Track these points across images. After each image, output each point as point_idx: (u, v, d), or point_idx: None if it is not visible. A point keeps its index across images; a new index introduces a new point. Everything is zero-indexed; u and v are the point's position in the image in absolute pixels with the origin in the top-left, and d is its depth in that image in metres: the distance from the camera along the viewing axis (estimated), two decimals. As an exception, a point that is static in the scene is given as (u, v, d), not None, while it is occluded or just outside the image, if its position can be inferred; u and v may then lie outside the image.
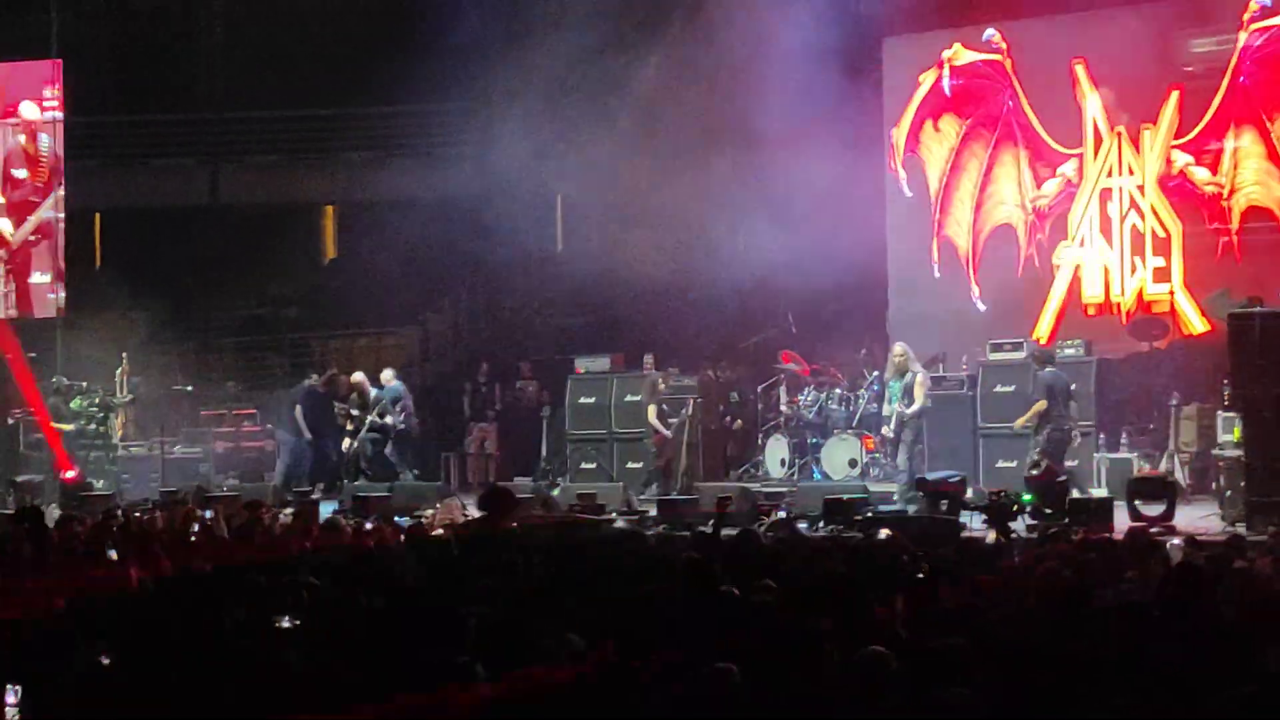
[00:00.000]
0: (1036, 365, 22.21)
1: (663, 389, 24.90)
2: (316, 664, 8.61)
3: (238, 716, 8.11)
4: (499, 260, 31.49)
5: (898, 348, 23.25)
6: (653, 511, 21.68)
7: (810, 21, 25.82)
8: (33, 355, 29.30)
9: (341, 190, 35.71)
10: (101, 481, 26.27)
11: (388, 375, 26.77)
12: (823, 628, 9.08)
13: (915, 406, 22.63)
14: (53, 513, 23.35)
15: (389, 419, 26.08)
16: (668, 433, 24.62)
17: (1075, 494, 20.38)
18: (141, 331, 31.04)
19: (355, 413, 26.23)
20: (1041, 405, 21.59)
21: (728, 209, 26.72)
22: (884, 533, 16.12)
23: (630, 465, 25.48)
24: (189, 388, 29.43)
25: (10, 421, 27.74)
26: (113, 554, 14.18)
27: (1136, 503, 19.66)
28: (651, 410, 24.80)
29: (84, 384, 27.67)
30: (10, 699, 8.04)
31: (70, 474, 25.85)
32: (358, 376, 26.91)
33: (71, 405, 27.26)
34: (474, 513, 21.01)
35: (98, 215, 36.35)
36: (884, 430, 23.32)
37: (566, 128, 28.36)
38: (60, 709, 8.33)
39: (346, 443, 26.19)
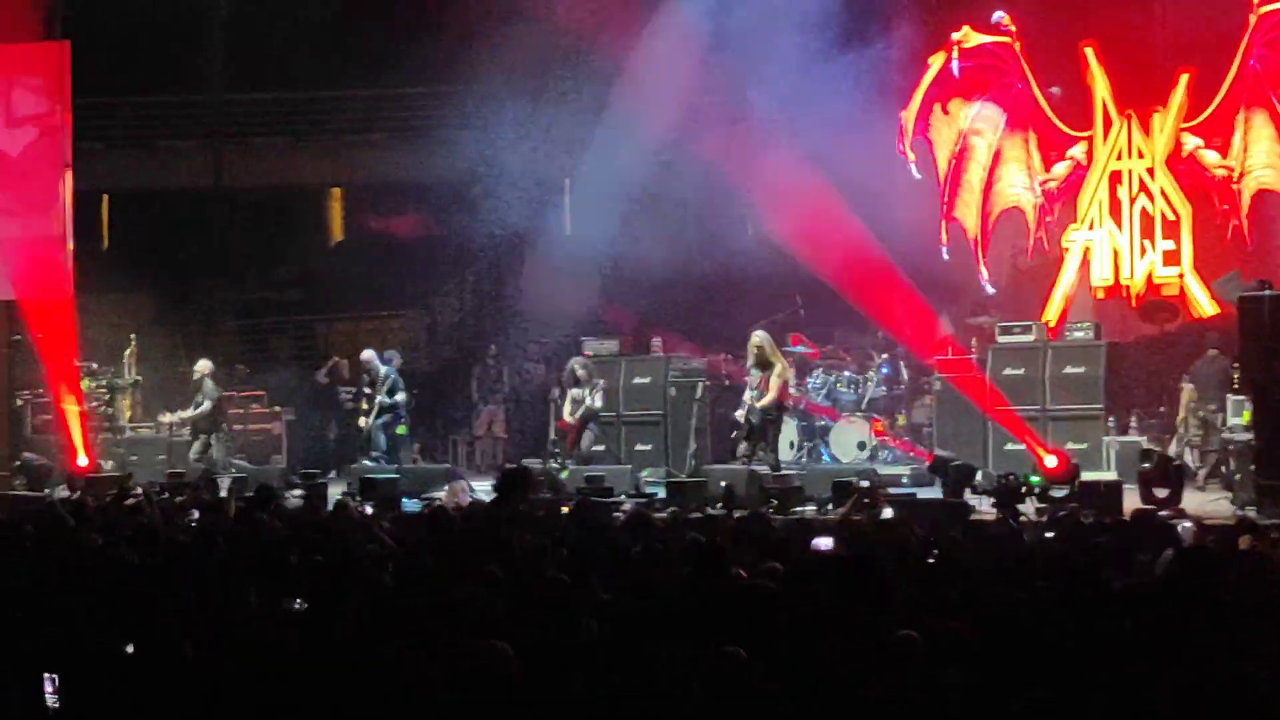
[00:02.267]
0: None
1: (580, 375, 24.74)
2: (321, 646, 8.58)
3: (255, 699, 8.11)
4: (506, 242, 31.43)
5: (756, 337, 23.35)
6: (661, 494, 21.61)
7: (816, 5, 25.76)
8: (40, 336, 29.27)
9: (347, 173, 35.63)
10: (110, 463, 26.20)
11: (368, 355, 26.58)
12: (830, 610, 9.04)
13: (766, 399, 22.82)
14: (59, 493, 23.42)
15: (399, 396, 25.86)
16: (569, 419, 24.61)
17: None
18: (147, 313, 31.00)
19: (366, 391, 25.94)
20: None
21: (734, 191, 26.62)
22: (887, 513, 16.09)
23: (639, 447, 25.39)
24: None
25: (18, 403, 27.69)
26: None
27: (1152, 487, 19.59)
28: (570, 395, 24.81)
29: (91, 365, 27.63)
30: (49, 688, 8.03)
31: (84, 463, 25.72)
32: (366, 354, 26.64)
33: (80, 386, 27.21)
34: (481, 495, 21.10)
35: (105, 197, 36.31)
36: (738, 415, 23.51)
37: (571, 108, 28.27)
38: (92, 697, 8.33)
39: (363, 421, 25.95)
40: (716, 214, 26.76)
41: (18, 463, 25.79)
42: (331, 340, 32.93)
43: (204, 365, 26.51)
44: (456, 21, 29.24)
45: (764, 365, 23.08)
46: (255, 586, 10.51)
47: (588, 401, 24.49)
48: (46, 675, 8.15)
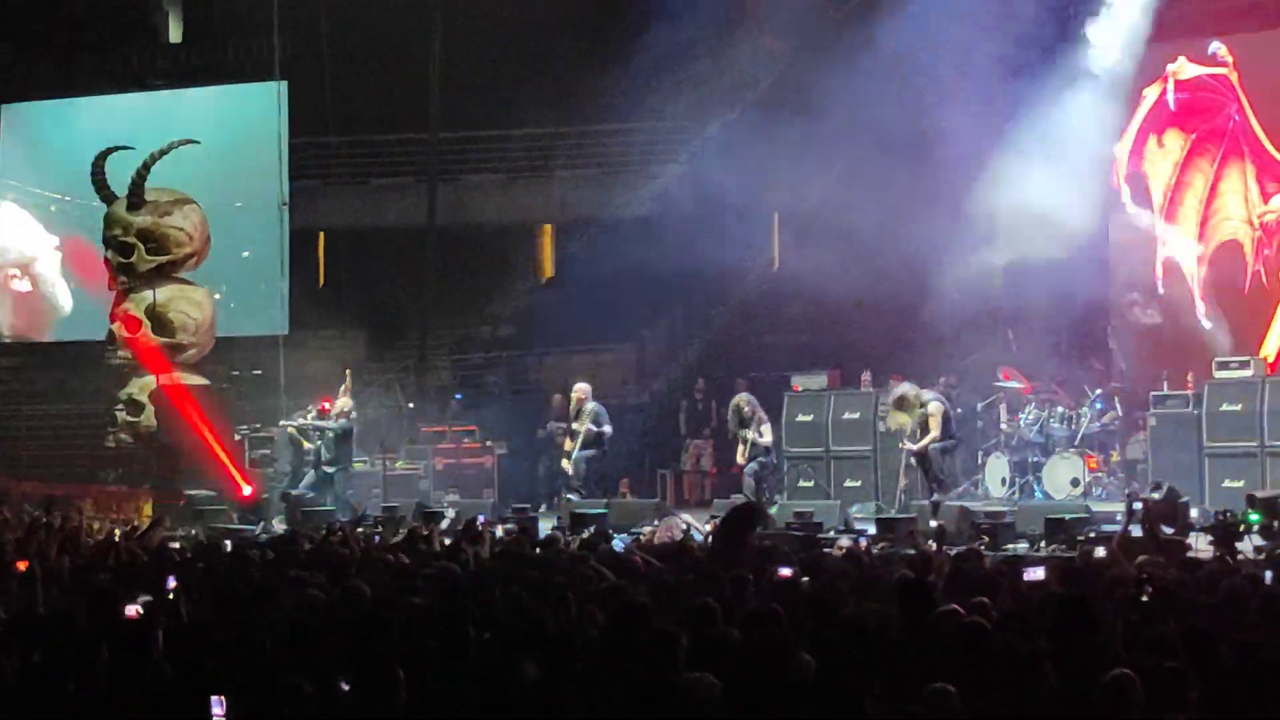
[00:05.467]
0: None
1: (746, 412, 24.75)
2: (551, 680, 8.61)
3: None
4: (715, 277, 31.51)
5: (901, 387, 23.77)
6: (871, 530, 21.46)
7: (1028, 35, 25.57)
8: (257, 373, 29.84)
9: (558, 209, 35.94)
10: (329, 498, 26.52)
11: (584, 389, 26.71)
12: (1041, 648, 8.94)
13: (927, 439, 23.38)
14: (275, 526, 23.84)
15: (606, 428, 25.96)
16: (742, 461, 24.72)
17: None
18: (362, 349, 31.48)
19: (573, 426, 26.11)
20: None
21: (943, 224, 26.45)
22: (1099, 551, 15.85)
23: (848, 483, 25.33)
24: (410, 404, 29.78)
25: (236, 438, 28.22)
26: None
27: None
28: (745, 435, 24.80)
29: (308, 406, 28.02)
30: (217, 709, 8.15)
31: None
32: (582, 386, 26.74)
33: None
34: (692, 530, 21.10)
35: (320, 235, 36.94)
36: (911, 461, 23.80)
37: (779, 142, 28.24)
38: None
39: (565, 463, 26.11)
40: (927, 247, 26.59)
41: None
42: (543, 375, 33.18)
43: (584, 387, 26.57)
44: (665, 58, 29.41)
45: (904, 407, 23.44)
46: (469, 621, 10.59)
47: (751, 438, 24.52)
48: (214, 697, 8.24)
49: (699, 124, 31.52)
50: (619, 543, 16.58)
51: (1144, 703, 8.07)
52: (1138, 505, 18.96)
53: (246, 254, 32.09)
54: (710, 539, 18.67)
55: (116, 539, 18.54)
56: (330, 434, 26.18)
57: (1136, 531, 16.77)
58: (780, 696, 8.35)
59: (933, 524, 19.80)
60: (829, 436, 25.80)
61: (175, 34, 36.96)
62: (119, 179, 29.96)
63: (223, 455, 26.79)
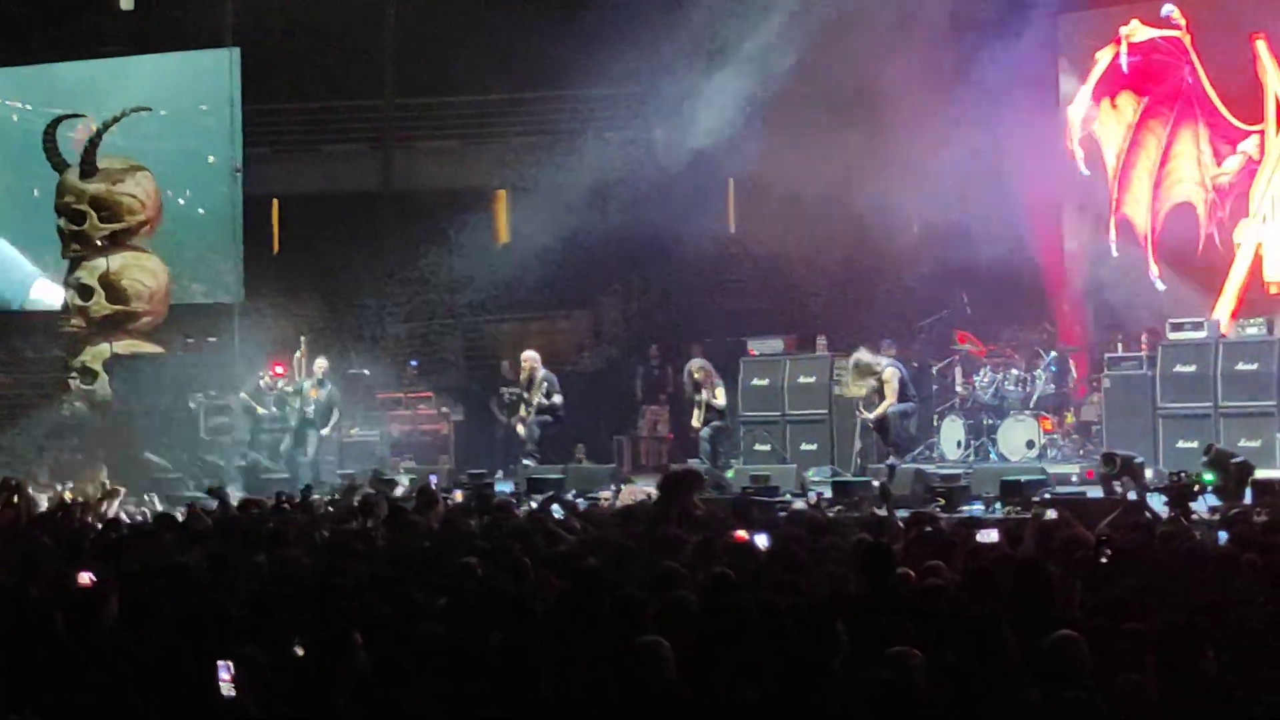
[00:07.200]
0: None
1: (700, 376, 24.77)
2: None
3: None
4: (670, 243, 31.45)
5: (856, 354, 23.70)
6: (827, 493, 21.49)
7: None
8: (211, 340, 29.72)
9: (513, 175, 35.81)
10: (281, 462, 26.47)
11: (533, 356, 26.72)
12: (1001, 612, 8.98)
13: (884, 406, 23.16)
14: (236, 494, 23.74)
15: (556, 398, 25.96)
16: (697, 425, 24.70)
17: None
18: (317, 316, 31.38)
19: (524, 394, 26.09)
20: None
21: (898, 188, 26.45)
22: (1050, 514, 15.91)
23: (804, 446, 25.39)
24: (365, 371, 29.69)
25: (192, 406, 28.09)
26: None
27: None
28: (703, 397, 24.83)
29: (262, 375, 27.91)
30: (224, 675, 8.21)
31: None
32: (531, 355, 26.76)
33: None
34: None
35: (275, 201, 36.75)
36: (868, 424, 23.68)
37: (732, 105, 28.18)
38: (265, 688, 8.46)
39: (521, 429, 26.10)
40: (881, 211, 26.59)
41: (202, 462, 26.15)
42: (499, 341, 33.11)
43: (532, 355, 26.64)
44: (616, 22, 29.31)
45: (866, 373, 23.34)
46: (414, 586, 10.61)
47: (706, 400, 24.53)
48: (221, 662, 8.28)
49: (652, 88, 31.40)
50: (558, 511, 16.47)
51: (1091, 662, 8.10)
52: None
53: (199, 210, 31.87)
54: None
55: (68, 502, 18.51)
56: (323, 399, 26.29)
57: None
58: (739, 662, 8.37)
59: (874, 484, 19.86)
60: (785, 401, 25.84)
61: (127, 1, 36.68)
62: (70, 147, 29.82)
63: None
